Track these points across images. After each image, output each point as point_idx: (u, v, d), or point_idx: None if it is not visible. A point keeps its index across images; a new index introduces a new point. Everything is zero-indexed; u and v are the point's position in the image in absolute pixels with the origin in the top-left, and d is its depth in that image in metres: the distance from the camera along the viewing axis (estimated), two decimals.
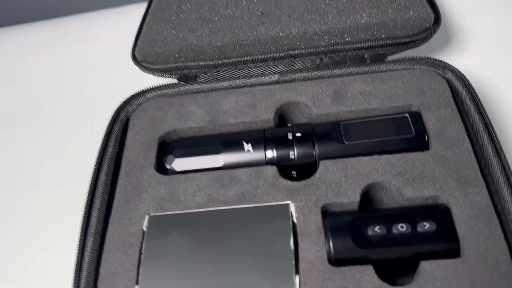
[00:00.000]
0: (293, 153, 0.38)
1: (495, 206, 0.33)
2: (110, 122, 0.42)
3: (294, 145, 0.39)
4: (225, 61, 0.45)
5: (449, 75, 0.41)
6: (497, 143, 0.36)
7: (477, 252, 0.31)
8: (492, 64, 0.48)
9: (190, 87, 0.45)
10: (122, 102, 0.44)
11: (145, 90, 0.45)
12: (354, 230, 0.33)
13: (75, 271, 0.34)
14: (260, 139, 0.39)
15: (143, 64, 0.47)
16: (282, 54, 0.45)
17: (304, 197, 0.35)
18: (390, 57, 0.44)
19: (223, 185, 0.37)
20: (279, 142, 0.39)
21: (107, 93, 0.48)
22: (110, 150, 0.41)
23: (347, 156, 0.37)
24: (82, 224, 0.36)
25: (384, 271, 0.32)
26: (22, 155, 0.51)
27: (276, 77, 0.44)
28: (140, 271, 0.34)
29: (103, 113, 0.44)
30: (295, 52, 0.45)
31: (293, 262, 0.32)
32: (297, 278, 0.32)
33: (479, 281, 0.30)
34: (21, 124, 0.54)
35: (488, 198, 0.33)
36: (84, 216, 0.37)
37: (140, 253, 0.35)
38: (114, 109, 0.43)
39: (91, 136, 0.43)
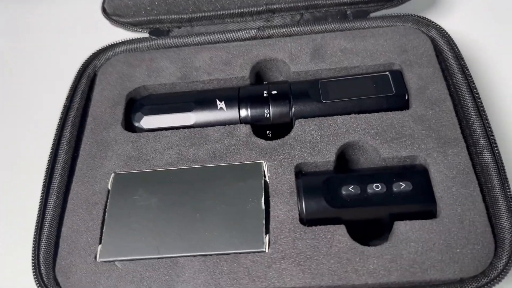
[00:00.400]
0: (268, 112, 0.37)
1: (474, 167, 0.32)
2: (76, 76, 0.40)
3: (270, 104, 0.37)
4: (200, 14, 0.43)
5: (433, 33, 0.39)
6: (480, 103, 0.34)
7: (453, 213, 0.30)
8: (479, 26, 0.47)
9: (162, 41, 0.42)
10: (89, 56, 0.42)
11: (114, 44, 0.43)
12: (327, 190, 0.32)
13: (36, 229, 0.33)
14: (234, 97, 0.38)
15: (113, 17, 0.44)
16: (260, 9, 0.43)
17: (278, 157, 0.34)
18: (373, 14, 0.42)
19: (194, 143, 0.36)
20: (254, 100, 0.37)
21: (75, 48, 0.45)
22: (75, 106, 0.39)
23: (324, 115, 0.36)
24: (44, 182, 0.35)
25: (357, 232, 0.31)
26: None
27: (253, 32, 0.41)
28: (104, 230, 0.32)
29: (70, 69, 0.41)
30: (275, 6, 0.42)
31: (264, 221, 0.31)
32: (267, 237, 0.30)
33: (455, 242, 0.29)
34: None
35: (468, 159, 0.32)
36: (46, 174, 0.35)
37: (104, 212, 0.33)
38: (81, 63, 0.41)
39: (57, 92, 0.41)
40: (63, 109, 0.38)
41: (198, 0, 0.43)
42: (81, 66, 0.41)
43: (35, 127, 0.42)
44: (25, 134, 0.44)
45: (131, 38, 0.43)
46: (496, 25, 0.47)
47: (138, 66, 0.41)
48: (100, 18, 0.45)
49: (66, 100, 0.38)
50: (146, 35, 0.44)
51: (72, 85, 0.40)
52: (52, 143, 0.36)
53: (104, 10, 0.45)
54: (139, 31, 0.44)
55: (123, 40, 0.42)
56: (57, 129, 0.37)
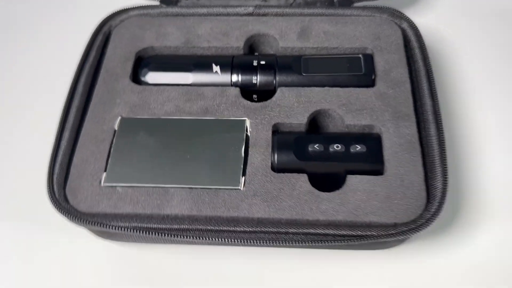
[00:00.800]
0: (256, 79, 0.43)
1: (420, 139, 0.39)
2: (93, 33, 0.46)
3: (258, 72, 0.43)
4: None
5: (404, 25, 0.45)
6: (434, 88, 0.41)
7: (396, 173, 0.37)
8: (450, 27, 0.53)
9: (170, 9, 0.48)
10: (106, 16, 0.47)
11: (129, 8, 0.48)
12: (296, 146, 0.38)
13: (51, 156, 0.39)
14: (228, 63, 0.44)
15: None
16: None
17: (259, 116, 0.40)
18: (356, 4, 0.48)
19: (190, 99, 0.42)
20: (244, 67, 0.43)
21: (94, 8, 0.51)
22: (91, 58, 0.45)
23: (303, 86, 0.42)
24: (61, 119, 0.41)
25: (317, 181, 0.37)
26: (15, 54, 0.54)
27: (251, 9, 0.47)
28: (109, 161, 0.39)
29: (89, 26, 0.47)
30: None
31: (241, 166, 0.37)
32: (243, 178, 0.37)
33: (394, 195, 0.36)
34: (20, 30, 0.57)
35: (416, 131, 0.39)
36: (63, 112, 0.41)
37: (110, 147, 0.39)
38: (98, 22, 0.47)
39: (77, 46, 0.46)
40: (80, 60, 0.44)
41: None
42: (99, 24, 0.47)
43: (56, 73, 0.47)
44: (47, 78, 0.50)
45: (143, 5, 0.48)
46: (464, 25, 0.53)
47: (148, 29, 0.47)
48: None
49: (83, 53, 0.44)
50: (157, 3, 0.49)
51: (89, 40, 0.45)
52: (69, 87, 0.42)
53: None
54: None
55: (137, 6, 0.48)
56: (74, 76, 0.43)
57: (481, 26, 0.53)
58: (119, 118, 0.41)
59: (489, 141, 0.44)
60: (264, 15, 0.47)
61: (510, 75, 0.48)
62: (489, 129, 0.45)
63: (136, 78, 0.44)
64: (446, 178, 0.36)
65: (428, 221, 0.35)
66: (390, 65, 0.42)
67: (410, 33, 0.45)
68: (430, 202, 0.36)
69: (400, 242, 0.38)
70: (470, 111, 0.46)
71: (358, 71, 0.42)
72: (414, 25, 0.45)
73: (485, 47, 0.51)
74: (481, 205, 0.41)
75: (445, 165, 0.37)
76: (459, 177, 0.42)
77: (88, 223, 0.36)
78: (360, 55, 0.43)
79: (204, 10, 0.48)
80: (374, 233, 0.34)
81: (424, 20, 0.52)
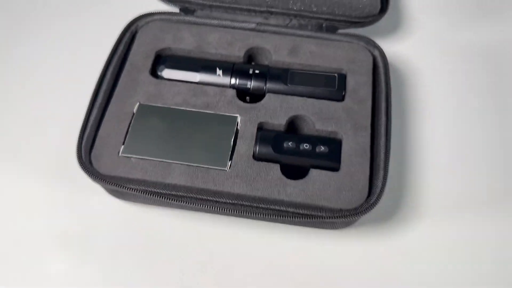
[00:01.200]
0: (250, 84, 0.53)
1: (372, 147, 0.49)
2: (122, 31, 0.56)
3: (252, 79, 0.53)
4: (219, 4, 0.58)
5: (376, 53, 0.55)
6: (389, 107, 0.51)
7: (348, 171, 0.47)
8: (419, 57, 0.62)
9: (187, 18, 0.58)
10: (134, 18, 0.57)
11: (153, 12, 0.58)
12: (275, 142, 0.48)
13: (81, 128, 0.49)
14: (229, 69, 0.54)
15: None
16: (262, 9, 0.58)
17: (249, 115, 0.50)
18: (341, 30, 0.58)
19: (196, 94, 0.52)
20: (242, 74, 0.53)
21: (124, 9, 0.61)
22: (119, 52, 0.55)
23: (287, 94, 0.52)
24: (91, 99, 0.51)
25: (287, 171, 0.48)
26: (53, 41, 0.64)
27: (253, 25, 0.57)
28: (126, 137, 0.49)
29: (119, 25, 0.57)
30: (273, 10, 0.58)
31: (229, 152, 0.48)
32: (229, 162, 0.47)
33: (343, 188, 0.46)
34: (65, 22, 0.67)
35: (369, 140, 0.49)
36: (93, 94, 0.51)
37: (129, 126, 0.50)
38: (127, 22, 0.57)
39: (109, 40, 0.55)
40: (110, 53, 0.53)
41: None
42: (127, 24, 0.56)
43: (90, 61, 0.56)
44: (83, 64, 0.59)
45: (166, 11, 0.58)
46: (429, 55, 0.63)
47: (167, 33, 0.56)
48: None
49: (113, 47, 0.54)
50: (177, 10, 0.59)
51: (119, 37, 0.55)
52: (99, 74, 0.52)
53: None
54: (172, 5, 0.60)
55: (160, 12, 0.58)
56: (104, 65, 0.53)
57: (443, 59, 0.63)
58: (138, 104, 0.51)
59: (429, 155, 0.55)
60: (264, 31, 0.57)
61: (457, 102, 0.59)
62: (431, 145, 0.55)
63: (154, 72, 0.54)
64: (385, 179, 0.46)
65: (366, 210, 0.45)
66: (358, 85, 0.52)
67: (379, 60, 0.55)
68: (370, 196, 0.46)
69: (346, 225, 0.49)
70: (418, 127, 0.56)
71: (332, 87, 0.52)
72: (384, 54, 0.55)
73: (444, 77, 0.61)
74: (415, 204, 0.52)
75: (387, 169, 0.47)
76: (400, 180, 0.53)
77: (106, 183, 0.46)
78: (336, 74, 0.53)
79: (215, 22, 0.58)
80: (324, 215, 0.44)
81: (400, 46, 0.62)
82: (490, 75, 0.61)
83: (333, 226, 0.49)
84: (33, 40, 0.64)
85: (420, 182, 0.53)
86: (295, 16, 0.58)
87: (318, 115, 0.51)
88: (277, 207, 0.45)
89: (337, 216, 0.44)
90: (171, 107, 0.51)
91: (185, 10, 0.59)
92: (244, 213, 0.46)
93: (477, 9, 0.68)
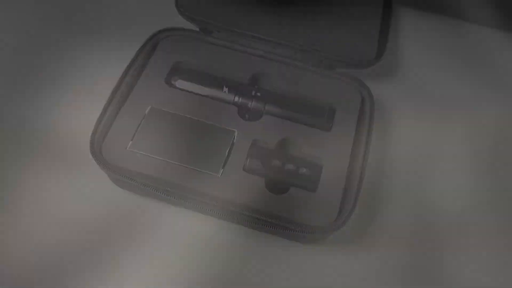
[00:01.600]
0: (251, 104, 0.60)
1: (348, 173, 0.56)
2: (145, 41, 0.63)
3: (253, 99, 0.60)
4: (235, 29, 0.65)
5: (364, 93, 0.62)
6: (369, 142, 0.57)
7: (324, 193, 0.54)
8: (405, 98, 0.70)
9: (205, 37, 0.65)
10: (157, 31, 0.64)
11: (175, 28, 0.65)
12: (264, 158, 0.55)
13: (97, 122, 0.55)
14: (235, 88, 0.60)
15: (181, 9, 0.67)
16: (272, 40, 0.65)
17: (245, 131, 0.57)
18: (338, 69, 0.65)
19: (202, 105, 0.59)
20: (245, 94, 0.60)
21: (148, 22, 0.68)
22: (139, 59, 0.61)
23: (281, 118, 0.59)
24: (109, 98, 0.57)
25: (270, 185, 0.54)
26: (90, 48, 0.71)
27: (261, 53, 0.64)
28: (135, 135, 0.56)
29: (142, 36, 0.64)
30: (281, 41, 0.65)
31: (223, 161, 0.55)
32: (222, 169, 0.54)
33: (317, 208, 0.52)
34: (96, 31, 0.74)
35: (346, 167, 0.56)
36: (112, 93, 0.58)
37: (139, 125, 0.56)
38: (150, 34, 0.64)
39: (132, 48, 0.62)
40: (132, 59, 0.60)
41: (241, 21, 0.65)
42: (150, 36, 0.63)
43: (114, 64, 0.63)
44: (107, 67, 0.67)
45: (186, 28, 0.65)
46: (418, 101, 0.70)
47: (185, 48, 0.63)
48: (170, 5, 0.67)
49: (135, 54, 0.61)
50: (196, 28, 0.66)
51: (141, 46, 0.62)
52: (120, 76, 0.59)
53: (176, 3, 0.67)
54: (193, 23, 0.67)
55: (181, 28, 0.65)
56: (125, 69, 0.59)
57: (425, 105, 0.70)
58: (150, 107, 0.58)
59: (400, 189, 0.61)
60: (270, 59, 0.64)
61: (434, 148, 0.66)
62: (402, 182, 0.62)
63: (168, 81, 0.61)
64: (355, 205, 0.53)
65: (332, 229, 0.51)
66: (345, 120, 0.59)
67: (367, 99, 0.61)
68: (338, 219, 0.53)
69: (314, 240, 0.55)
70: (394, 162, 0.63)
71: (321, 117, 0.59)
72: (371, 94, 0.61)
73: (425, 122, 0.68)
74: (380, 230, 0.58)
75: (357, 197, 0.53)
76: (369, 207, 0.59)
77: (112, 171, 0.53)
78: (327, 107, 0.60)
79: (229, 44, 0.65)
80: (296, 228, 0.51)
81: (388, 89, 0.70)
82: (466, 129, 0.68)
83: (303, 240, 0.55)
84: (71, 41, 0.72)
85: (385, 214, 0.59)
86: (300, 50, 0.65)
87: (306, 140, 0.57)
88: (257, 216, 0.51)
89: (306, 231, 0.51)
90: (179, 113, 0.58)
91: (204, 30, 0.66)
92: (227, 217, 0.52)
93: (464, 67, 0.75)
